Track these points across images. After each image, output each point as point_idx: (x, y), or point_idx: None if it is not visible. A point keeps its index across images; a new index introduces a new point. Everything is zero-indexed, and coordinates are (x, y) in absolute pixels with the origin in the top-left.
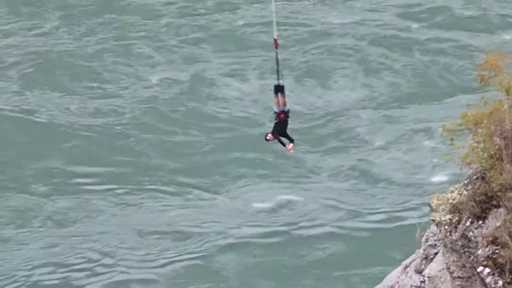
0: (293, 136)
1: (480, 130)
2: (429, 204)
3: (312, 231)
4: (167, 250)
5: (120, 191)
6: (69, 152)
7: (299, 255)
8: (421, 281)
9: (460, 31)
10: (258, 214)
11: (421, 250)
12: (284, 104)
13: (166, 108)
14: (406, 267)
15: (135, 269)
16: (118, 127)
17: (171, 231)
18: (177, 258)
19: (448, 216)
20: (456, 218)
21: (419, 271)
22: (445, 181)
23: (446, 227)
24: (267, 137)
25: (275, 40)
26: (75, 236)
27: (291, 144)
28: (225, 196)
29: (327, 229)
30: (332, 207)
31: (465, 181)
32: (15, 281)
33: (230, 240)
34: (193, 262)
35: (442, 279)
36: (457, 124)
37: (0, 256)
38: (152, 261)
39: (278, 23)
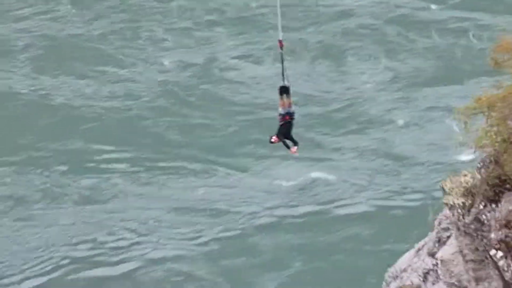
0: (311, 121)
1: (493, 114)
2: (442, 187)
3: (335, 210)
4: (199, 227)
5: (143, 170)
6: (88, 134)
7: (325, 232)
8: (433, 264)
9: (481, 12)
10: (286, 193)
11: (434, 233)
12: (289, 106)
13: (182, 92)
14: (419, 250)
15: (168, 246)
16: (135, 110)
17: (201, 208)
18: (209, 235)
19: (461, 199)
20: (469, 201)
21: (432, 254)
22: (466, 160)
23: (459, 210)
24: (272, 140)
25: (280, 41)
26: (104, 213)
27: (296, 147)
28: (252, 176)
29: (347, 208)
30: (351, 186)
31: (478, 165)
32: (50, 258)
33: (261, 217)
34: (226, 239)
35: (455, 262)
36: (470, 108)
37: (34, 232)
38: (185, 237)
39: (292, 5)
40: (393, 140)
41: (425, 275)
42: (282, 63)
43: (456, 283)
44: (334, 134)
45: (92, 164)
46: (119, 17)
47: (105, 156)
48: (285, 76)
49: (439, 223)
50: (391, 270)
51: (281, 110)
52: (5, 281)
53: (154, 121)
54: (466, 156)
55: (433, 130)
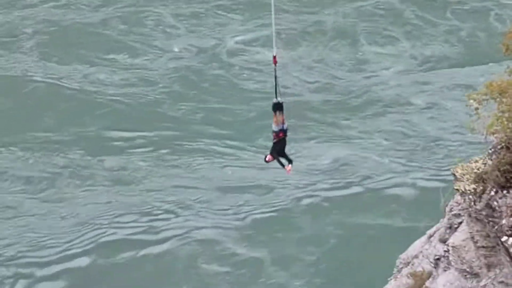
0: (331, 105)
1: (505, 100)
2: (453, 174)
3: (354, 190)
4: (232, 205)
5: (168, 152)
6: (107, 117)
7: (360, 209)
8: (445, 251)
9: None
10: (316, 172)
11: (445, 220)
12: (283, 122)
13: (195, 77)
14: (430, 236)
15: (202, 223)
16: (150, 96)
17: (232, 187)
18: (244, 213)
19: (473, 186)
20: (481, 187)
21: (443, 241)
22: (480, 146)
23: (471, 196)
24: (266, 159)
25: (274, 58)
26: (133, 194)
27: (290, 166)
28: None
29: (361, 189)
30: (365, 168)
31: (490, 151)
32: (82, 239)
33: (297, 195)
34: (261, 216)
35: (466, 249)
36: (482, 93)
37: (67, 213)
38: (219, 214)
39: None
40: (411, 123)
41: (437, 262)
42: (276, 79)
43: (467, 269)
44: (355, 117)
45: (114, 146)
46: (128, 3)
47: (127, 138)
48: (278, 92)
49: (451, 210)
50: (403, 257)
51: (275, 128)
52: (38, 261)
53: (172, 106)
54: (479, 142)
55: (452, 114)
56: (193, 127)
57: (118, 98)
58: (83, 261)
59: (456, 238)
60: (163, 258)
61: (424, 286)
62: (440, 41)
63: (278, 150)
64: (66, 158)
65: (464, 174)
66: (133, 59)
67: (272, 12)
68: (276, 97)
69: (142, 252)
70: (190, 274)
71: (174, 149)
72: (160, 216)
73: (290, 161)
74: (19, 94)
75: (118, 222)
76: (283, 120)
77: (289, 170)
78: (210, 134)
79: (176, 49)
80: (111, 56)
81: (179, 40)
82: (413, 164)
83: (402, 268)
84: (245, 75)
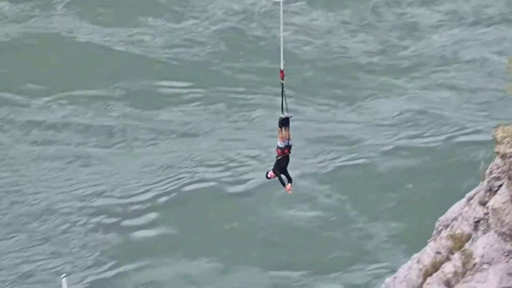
0: (384, 66)
1: None
2: (494, 137)
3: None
4: (308, 154)
5: (224, 107)
6: (153, 76)
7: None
8: (484, 213)
9: None
10: (380, 125)
11: (485, 183)
12: (288, 138)
13: (240, 38)
14: (470, 199)
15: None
16: (196, 57)
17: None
18: (325, 161)
19: None
20: None
21: (483, 203)
22: None
23: (511, 159)
24: (268, 175)
25: (282, 71)
26: (192, 147)
27: (289, 185)
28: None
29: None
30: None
31: None
32: (146, 188)
33: (364, 144)
34: (345, 163)
35: (506, 211)
36: None
37: (134, 162)
38: (300, 162)
39: None
40: (459, 80)
41: (476, 224)
42: (283, 93)
43: (507, 231)
44: (404, 75)
45: (165, 101)
46: None
47: (179, 93)
48: (285, 107)
49: (491, 172)
50: (442, 219)
51: (280, 144)
52: (117, 209)
53: (220, 65)
54: None
55: (495, 73)
56: (246, 83)
57: (164, 58)
58: (162, 201)
59: (496, 201)
60: (250, 203)
61: (463, 248)
62: None
63: (281, 168)
64: (120, 111)
65: (504, 137)
66: (175, 23)
67: (281, 23)
68: (282, 112)
69: (227, 192)
70: (281, 216)
71: (230, 103)
72: (237, 167)
73: (290, 180)
74: (66, 52)
75: (171, 176)
76: (288, 136)
77: (289, 189)
78: (265, 90)
79: (218, 12)
80: (154, 19)
81: (220, 3)
82: (455, 124)
83: (441, 230)
84: (285, 34)
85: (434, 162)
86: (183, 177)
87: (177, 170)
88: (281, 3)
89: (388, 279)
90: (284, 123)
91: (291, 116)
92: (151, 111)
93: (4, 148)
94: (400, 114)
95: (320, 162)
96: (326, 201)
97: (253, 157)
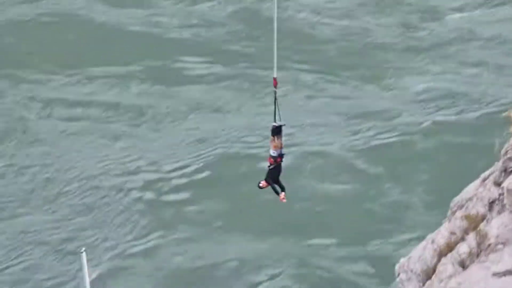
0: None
1: None
2: (508, 117)
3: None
4: (341, 129)
5: (250, 83)
6: (172, 54)
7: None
8: (499, 194)
9: None
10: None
11: (500, 163)
12: (281, 147)
13: (256, 18)
14: (485, 179)
15: (326, 142)
16: (214, 36)
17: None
18: (367, 135)
19: None
20: None
21: (498, 184)
22: None
23: None
24: (260, 185)
25: (275, 80)
26: (214, 122)
27: (283, 193)
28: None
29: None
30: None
31: None
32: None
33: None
34: (383, 137)
35: None
36: None
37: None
38: (337, 134)
39: None
40: (475, 57)
41: (491, 205)
42: (276, 102)
43: None
44: (426, 54)
45: (187, 79)
46: None
47: (201, 71)
48: (278, 115)
49: (506, 153)
50: (457, 199)
51: (273, 152)
52: (155, 175)
53: (242, 44)
54: None
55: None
56: (267, 61)
57: (181, 38)
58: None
59: (510, 182)
60: (284, 176)
61: (478, 228)
62: None
63: (274, 177)
64: (142, 89)
65: None
66: (192, 4)
67: (275, 30)
68: (275, 121)
69: (260, 167)
70: (317, 188)
71: (253, 80)
72: (240, 145)
73: (283, 188)
74: (83, 32)
75: (227, 147)
76: (281, 144)
77: (283, 197)
78: (287, 68)
79: None
80: (169, 1)
81: None
82: (474, 101)
83: (456, 210)
84: (300, 15)
85: (449, 140)
86: (215, 153)
87: (208, 145)
88: (275, 5)
89: (402, 259)
90: (277, 131)
91: (284, 125)
92: (173, 89)
93: (29, 125)
94: (424, 92)
95: (355, 135)
96: (361, 173)
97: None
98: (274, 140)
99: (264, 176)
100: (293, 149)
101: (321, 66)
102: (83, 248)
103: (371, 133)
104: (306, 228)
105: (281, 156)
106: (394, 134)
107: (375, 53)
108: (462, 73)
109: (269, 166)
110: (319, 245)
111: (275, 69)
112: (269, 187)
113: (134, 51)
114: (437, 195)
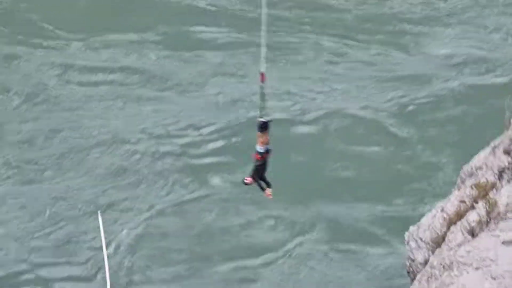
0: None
1: None
2: None
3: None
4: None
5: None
6: (187, 21)
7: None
8: (509, 162)
9: None
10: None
11: (509, 131)
12: (267, 143)
13: None
14: (495, 148)
15: (354, 103)
16: (231, 6)
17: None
18: (398, 101)
19: None
20: None
21: (508, 152)
22: None
23: None
24: (246, 181)
25: (262, 74)
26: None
27: (270, 189)
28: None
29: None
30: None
31: None
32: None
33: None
34: (413, 101)
35: None
36: None
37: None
38: (367, 96)
39: None
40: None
41: (501, 173)
42: (263, 97)
43: None
44: (445, 23)
45: (206, 45)
46: None
47: (219, 37)
48: (264, 111)
49: None
50: (466, 168)
51: (260, 148)
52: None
53: (258, 12)
54: None
55: None
56: (285, 29)
57: (197, 5)
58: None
59: None
60: (314, 137)
61: (487, 196)
62: None
63: (260, 173)
64: (160, 55)
65: None
66: None
67: (263, 22)
68: (261, 116)
69: (293, 129)
70: (348, 149)
71: (272, 47)
72: (298, 104)
73: (269, 185)
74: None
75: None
76: (267, 139)
77: (269, 194)
78: (305, 35)
79: None
80: None
81: None
82: (478, 73)
83: (465, 179)
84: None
85: (460, 109)
86: (248, 116)
87: (239, 109)
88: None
89: (412, 227)
90: (264, 127)
91: (271, 121)
92: (193, 54)
93: (50, 90)
94: (447, 57)
95: (382, 98)
96: (392, 135)
97: (310, 97)
98: (261, 136)
99: (249, 172)
100: (320, 112)
101: (341, 32)
102: (99, 210)
103: (398, 95)
104: (337, 190)
105: (268, 151)
106: (421, 97)
107: (393, 20)
108: (483, 39)
109: (255, 163)
110: (350, 207)
111: (263, 61)
112: (255, 183)
113: (148, 18)
114: (466, 157)
